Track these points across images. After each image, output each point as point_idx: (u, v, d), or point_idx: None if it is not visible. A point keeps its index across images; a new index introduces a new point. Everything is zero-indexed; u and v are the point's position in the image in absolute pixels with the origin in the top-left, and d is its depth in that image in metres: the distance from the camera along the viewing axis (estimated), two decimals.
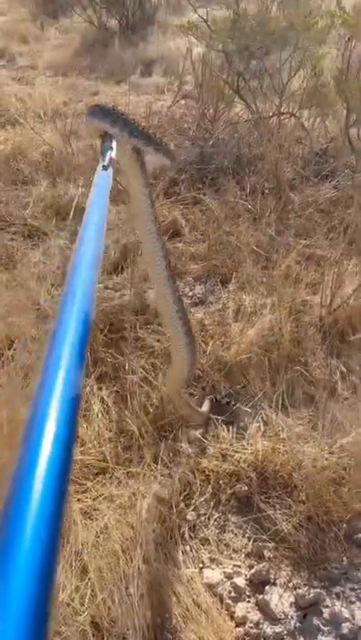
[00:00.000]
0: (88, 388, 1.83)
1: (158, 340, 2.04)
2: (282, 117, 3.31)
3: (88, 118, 1.10)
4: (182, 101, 4.43)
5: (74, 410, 0.32)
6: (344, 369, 1.92)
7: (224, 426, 1.74)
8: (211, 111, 3.72)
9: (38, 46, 6.46)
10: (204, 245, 2.68)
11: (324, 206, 2.89)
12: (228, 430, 1.74)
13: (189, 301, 2.31)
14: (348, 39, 2.69)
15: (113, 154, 0.95)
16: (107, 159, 0.90)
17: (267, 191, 3.07)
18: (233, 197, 2.93)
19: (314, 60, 3.03)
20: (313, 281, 2.40)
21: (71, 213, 3.03)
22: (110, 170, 0.86)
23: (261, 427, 1.72)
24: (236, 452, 1.65)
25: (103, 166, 0.86)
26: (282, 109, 3.34)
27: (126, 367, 1.90)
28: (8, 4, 8.22)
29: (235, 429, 1.75)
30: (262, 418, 1.75)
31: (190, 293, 2.37)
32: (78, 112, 4.72)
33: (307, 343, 2.01)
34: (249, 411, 1.80)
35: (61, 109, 4.69)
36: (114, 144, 1.00)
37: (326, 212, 2.86)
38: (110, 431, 1.75)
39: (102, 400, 1.84)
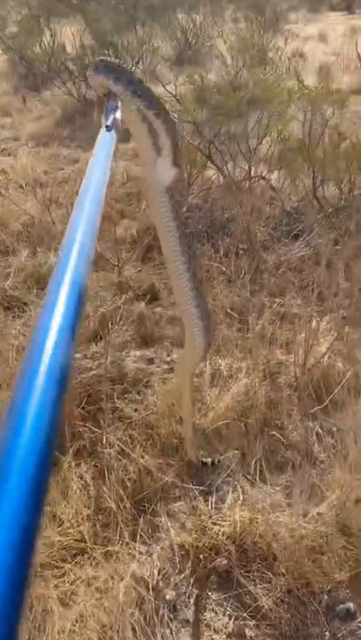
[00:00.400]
0: (66, 465, 1.83)
1: (136, 410, 2.05)
2: (252, 180, 3.45)
3: (92, 73, 1.03)
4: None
5: (63, 378, 0.31)
6: (320, 430, 1.94)
7: (201, 498, 1.73)
8: (184, 176, 3.88)
9: (21, 118, 6.75)
10: None
11: (297, 265, 2.98)
12: (207, 501, 1.74)
13: (166, 367, 2.34)
14: (310, 111, 2.85)
15: (118, 114, 0.88)
16: (110, 119, 0.83)
17: (241, 252, 3.16)
18: (208, 260, 3.02)
19: (279, 127, 3.19)
20: (287, 340, 2.45)
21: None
22: (114, 132, 0.80)
23: (240, 495, 1.72)
24: (215, 524, 1.64)
25: (106, 126, 0.80)
26: (252, 172, 3.49)
27: (104, 441, 1.91)
28: None
29: (213, 499, 1.74)
30: (240, 487, 1.75)
31: (168, 359, 2.40)
32: (59, 180, 4.90)
33: (283, 405, 2.03)
34: (228, 479, 1.80)
35: (42, 179, 4.86)
36: (119, 103, 0.94)
37: (299, 271, 2.94)
38: (89, 508, 1.73)
39: (81, 476, 1.83)
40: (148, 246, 3.43)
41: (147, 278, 3.09)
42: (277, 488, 1.74)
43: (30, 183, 4.71)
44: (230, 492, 1.72)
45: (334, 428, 1.96)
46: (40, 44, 8.28)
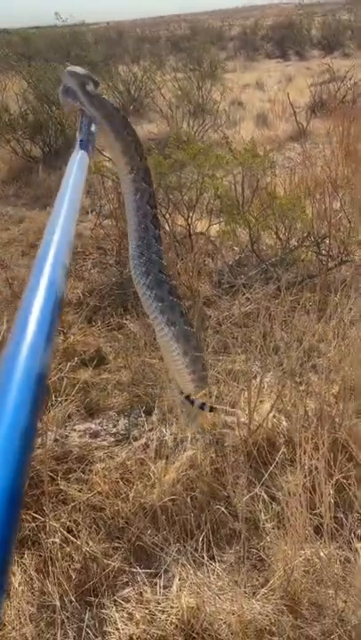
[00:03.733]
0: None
1: (80, 490, 2.01)
2: (192, 237, 3.53)
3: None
4: (106, 221, 4.65)
5: (38, 386, 0.30)
6: (266, 497, 1.94)
7: (149, 582, 1.69)
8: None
9: None
10: (128, 372, 2.73)
11: (239, 319, 3.03)
12: (155, 584, 1.69)
13: (113, 439, 2.31)
14: (241, 175, 2.97)
15: (93, 129, 0.90)
16: (84, 134, 0.86)
17: (184, 309, 3.20)
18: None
19: (213, 186, 3.29)
20: (232, 400, 2.46)
21: None
22: (90, 147, 0.81)
23: (187, 577, 1.68)
24: (163, 611, 1.60)
25: (80, 141, 0.83)
26: (191, 229, 3.57)
27: (47, 529, 1.85)
28: None
29: (161, 582, 1.70)
30: (188, 566, 1.71)
31: (113, 430, 2.37)
32: (4, 242, 4.89)
33: (229, 473, 2.02)
34: (176, 557, 1.76)
35: None
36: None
37: (241, 326, 2.99)
38: (33, 606, 1.66)
39: (25, 569, 1.76)
40: (94, 308, 3.43)
41: (93, 342, 3.08)
42: (224, 565, 1.71)
43: None
44: (177, 575, 1.68)
45: (280, 493, 1.95)
46: None
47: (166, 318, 1.20)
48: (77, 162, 0.73)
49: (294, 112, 6.83)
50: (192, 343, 1.27)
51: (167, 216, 3.60)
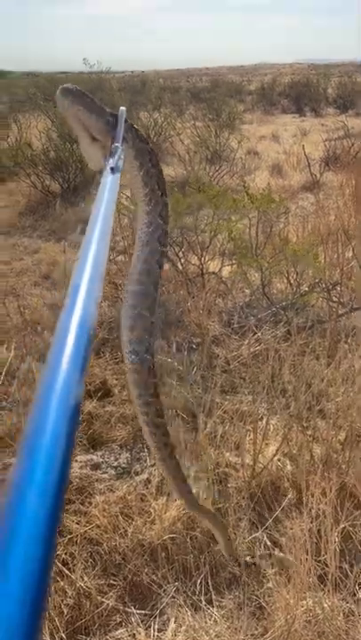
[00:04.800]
0: None
1: (78, 523, 1.96)
2: (204, 276, 3.56)
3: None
4: (120, 257, 4.72)
5: (73, 417, 0.31)
6: (268, 542, 1.88)
7: (143, 624, 1.62)
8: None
9: None
10: (132, 406, 2.71)
11: (247, 360, 3.02)
12: (150, 627, 1.63)
13: (114, 472, 2.27)
14: (255, 217, 3.03)
15: (122, 155, 0.89)
16: (114, 160, 0.85)
17: (194, 346, 3.20)
18: (161, 355, 3.04)
19: (227, 229, 3.35)
20: (238, 440, 2.42)
21: (1, 378, 3.05)
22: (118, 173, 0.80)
23: (184, 619, 1.62)
24: None
25: (111, 168, 0.81)
26: (204, 268, 3.61)
27: None
28: None
29: (156, 625, 1.63)
30: (184, 609, 1.65)
31: (115, 463, 2.33)
32: (18, 271, 4.96)
33: (231, 515, 1.97)
34: (172, 600, 1.70)
35: (1, 269, 4.90)
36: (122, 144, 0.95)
37: (249, 367, 2.98)
38: None
39: None
40: (102, 340, 3.44)
41: (100, 374, 3.07)
42: (223, 611, 1.65)
43: None
44: (173, 618, 1.62)
45: (283, 539, 1.90)
46: (7, 139, 8.67)
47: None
48: (108, 188, 0.74)
49: (309, 164, 7.01)
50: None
51: (180, 254, 3.65)
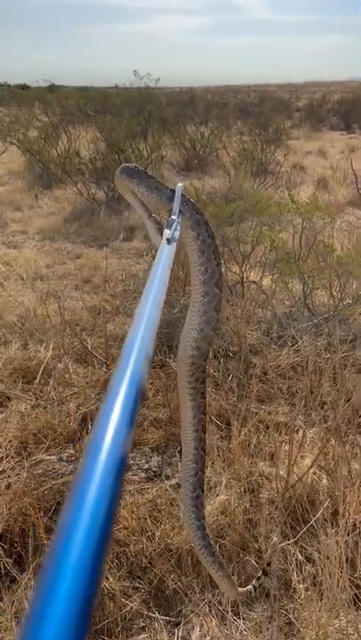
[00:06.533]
0: (24, 584, 1.69)
1: None
2: (244, 284, 3.52)
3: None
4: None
5: (120, 468, 0.33)
6: (301, 557, 1.80)
7: (166, 632, 1.57)
8: (182, 274, 3.98)
9: (31, 213, 7.08)
10: (166, 410, 2.68)
11: (285, 371, 2.95)
12: (173, 634, 1.58)
13: (144, 475, 2.24)
14: (300, 224, 2.97)
15: (178, 228, 0.92)
16: (171, 232, 0.89)
17: (230, 354, 3.15)
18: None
19: (270, 237, 3.31)
20: (273, 450, 2.35)
21: (38, 377, 3.08)
22: (174, 244, 0.85)
23: (209, 630, 1.56)
24: None
25: (167, 240, 0.85)
26: (244, 277, 3.57)
27: None
28: (9, 176, 9.17)
29: (180, 633, 1.58)
30: (210, 619, 1.59)
31: (146, 466, 2.30)
32: (60, 274, 5.03)
33: (262, 526, 1.91)
34: (198, 606, 1.65)
35: (44, 272, 4.99)
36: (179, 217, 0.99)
37: (287, 378, 2.91)
38: None
39: None
40: None
41: None
42: (250, 624, 1.58)
43: (31, 276, 4.83)
44: (197, 626, 1.56)
45: (316, 553, 1.82)
46: (56, 148, 8.90)
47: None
48: (164, 257, 0.78)
49: (356, 179, 6.89)
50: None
51: (222, 262, 3.62)
